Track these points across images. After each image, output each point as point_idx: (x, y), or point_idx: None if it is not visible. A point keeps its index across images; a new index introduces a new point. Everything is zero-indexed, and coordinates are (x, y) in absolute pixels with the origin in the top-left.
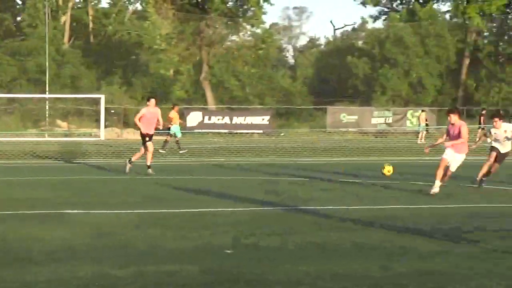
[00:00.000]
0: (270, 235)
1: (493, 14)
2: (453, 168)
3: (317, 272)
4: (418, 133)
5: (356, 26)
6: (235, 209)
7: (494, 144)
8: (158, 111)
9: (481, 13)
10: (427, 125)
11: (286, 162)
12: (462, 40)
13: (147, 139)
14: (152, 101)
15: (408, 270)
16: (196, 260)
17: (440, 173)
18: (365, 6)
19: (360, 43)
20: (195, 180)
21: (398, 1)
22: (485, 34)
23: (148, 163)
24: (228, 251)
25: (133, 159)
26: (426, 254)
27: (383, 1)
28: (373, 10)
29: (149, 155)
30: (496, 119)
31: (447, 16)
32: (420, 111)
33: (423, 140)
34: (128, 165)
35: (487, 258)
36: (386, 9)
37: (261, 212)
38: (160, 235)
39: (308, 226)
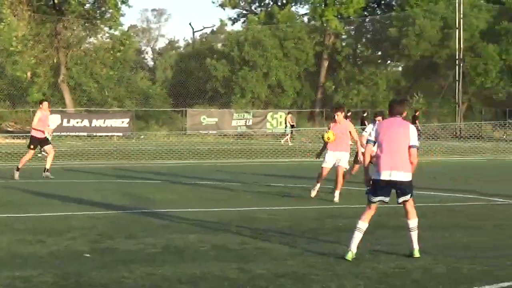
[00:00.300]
0: (128, 239)
1: (350, 17)
2: (345, 165)
3: (175, 275)
4: (281, 135)
5: (215, 28)
6: (92, 212)
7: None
8: (48, 114)
9: (338, 16)
10: (292, 126)
11: (145, 165)
12: (321, 42)
13: (32, 145)
14: (45, 104)
15: (266, 272)
16: (52, 265)
17: (321, 180)
18: (224, 9)
19: (219, 45)
20: (52, 184)
21: (257, 4)
22: (343, 36)
23: (48, 166)
24: (86, 255)
25: (20, 165)
26: (284, 256)
27: (242, 4)
28: (231, 12)
29: (50, 159)
30: (379, 118)
31: (306, 19)
32: (286, 113)
33: (288, 142)
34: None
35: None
36: (244, 12)
37: (118, 216)
38: (15, 240)
39: (166, 228)
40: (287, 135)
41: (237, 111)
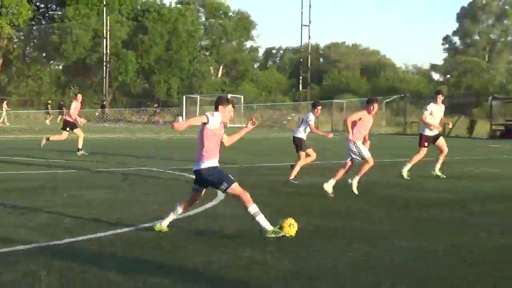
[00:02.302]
0: None
1: (21, 25)
2: None
3: None
4: None
5: None
6: None
7: None
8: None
9: (11, 24)
10: (7, 111)
11: None
12: None
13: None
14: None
15: None
16: None
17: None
18: None
19: None
20: None
21: None
22: (15, 40)
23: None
24: None
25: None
26: None
27: None
28: None
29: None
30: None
31: None
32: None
33: (6, 123)
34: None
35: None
36: None
37: None
38: None
39: None
40: (3, 117)
41: None
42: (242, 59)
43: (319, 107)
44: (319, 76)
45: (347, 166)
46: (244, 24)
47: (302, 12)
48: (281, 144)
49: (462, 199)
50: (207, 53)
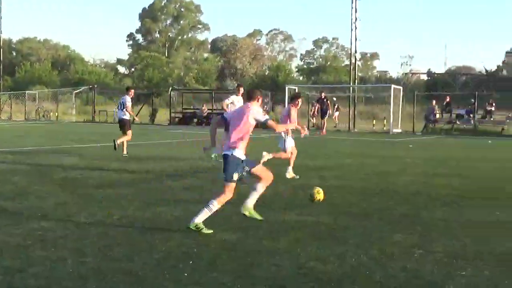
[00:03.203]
0: None
1: None
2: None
3: None
4: None
5: None
6: None
7: None
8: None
9: None
10: None
11: None
12: None
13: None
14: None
15: None
16: None
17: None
18: None
19: None
20: None
21: None
22: None
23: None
24: None
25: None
26: None
27: None
28: None
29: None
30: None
31: None
32: None
33: None
34: None
35: None
36: None
37: None
38: None
39: None
40: None
41: None
42: None
43: (132, 91)
44: (12, 68)
45: (289, 153)
46: None
47: None
48: None
49: (142, 177)
50: None
